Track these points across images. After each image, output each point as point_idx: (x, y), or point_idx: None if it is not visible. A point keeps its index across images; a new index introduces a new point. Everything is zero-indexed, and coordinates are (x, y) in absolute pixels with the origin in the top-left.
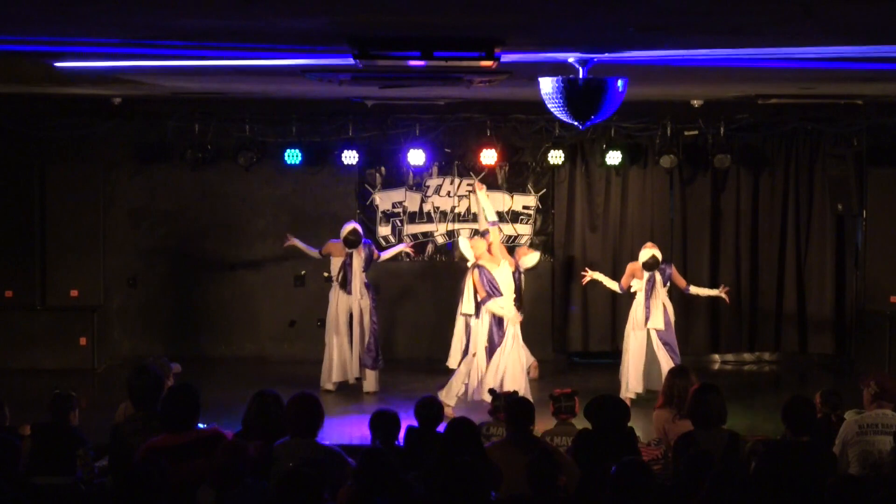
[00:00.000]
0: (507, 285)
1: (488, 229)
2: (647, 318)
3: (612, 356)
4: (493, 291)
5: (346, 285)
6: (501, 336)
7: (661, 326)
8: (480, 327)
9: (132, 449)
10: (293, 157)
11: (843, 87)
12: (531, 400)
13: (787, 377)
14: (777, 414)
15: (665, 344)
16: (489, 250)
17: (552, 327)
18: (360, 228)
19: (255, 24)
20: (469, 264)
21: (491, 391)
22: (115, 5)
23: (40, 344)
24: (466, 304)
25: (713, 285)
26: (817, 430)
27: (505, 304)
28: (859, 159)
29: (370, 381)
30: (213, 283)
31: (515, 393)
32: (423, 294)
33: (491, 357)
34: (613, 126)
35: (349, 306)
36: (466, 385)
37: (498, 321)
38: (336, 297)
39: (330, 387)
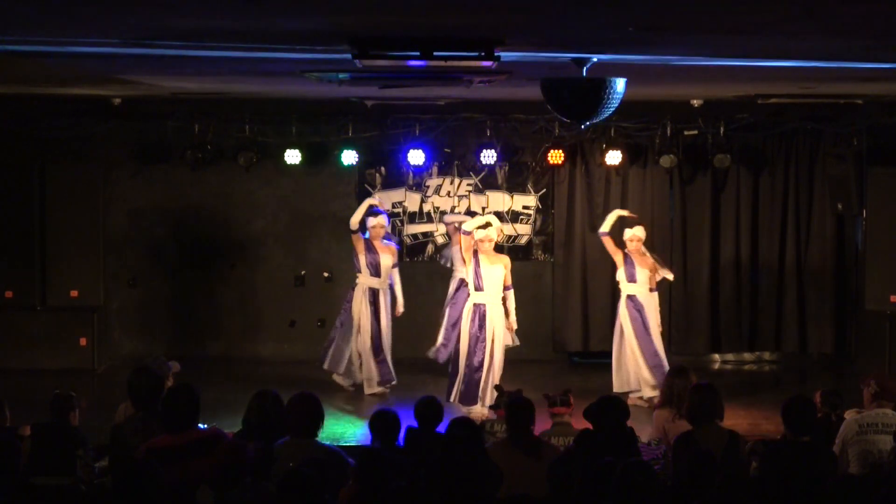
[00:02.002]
0: (494, 283)
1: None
2: (629, 279)
3: (612, 356)
4: (476, 279)
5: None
6: (483, 338)
7: (645, 289)
8: (463, 327)
9: (132, 449)
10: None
11: (843, 86)
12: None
13: (787, 377)
14: (777, 414)
15: (637, 337)
16: (491, 249)
17: (552, 327)
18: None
19: (254, 25)
20: (467, 236)
21: (497, 387)
22: (115, 5)
23: (40, 344)
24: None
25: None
26: (817, 429)
27: (488, 301)
28: (859, 159)
29: (374, 384)
30: (213, 283)
31: (520, 391)
32: (423, 294)
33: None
34: (613, 126)
35: (371, 304)
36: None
37: (480, 322)
38: (361, 295)
39: (341, 381)
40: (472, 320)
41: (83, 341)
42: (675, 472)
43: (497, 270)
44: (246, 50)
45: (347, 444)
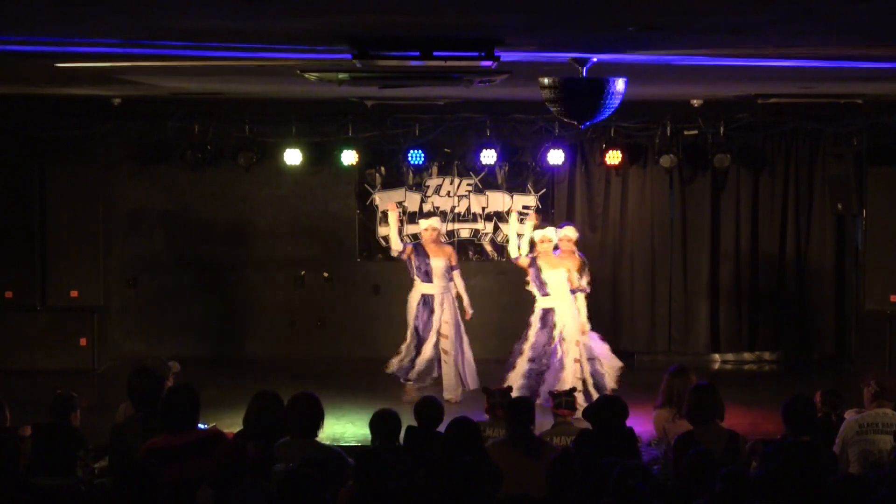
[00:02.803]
0: (559, 286)
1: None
2: (542, 293)
3: None
4: (540, 287)
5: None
6: (551, 346)
7: (565, 299)
8: (530, 331)
9: (132, 449)
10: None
11: (843, 87)
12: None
13: (787, 377)
14: (777, 414)
15: (590, 358)
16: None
17: None
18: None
19: (254, 25)
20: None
21: (485, 389)
22: (115, 5)
23: (40, 344)
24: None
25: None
26: (817, 430)
27: (556, 304)
28: (859, 159)
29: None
30: (213, 283)
31: (510, 389)
32: None
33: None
34: (613, 126)
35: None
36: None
37: (550, 326)
38: (413, 301)
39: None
40: (542, 325)
41: (83, 341)
42: (675, 472)
43: (559, 274)
44: (246, 50)
45: (347, 444)
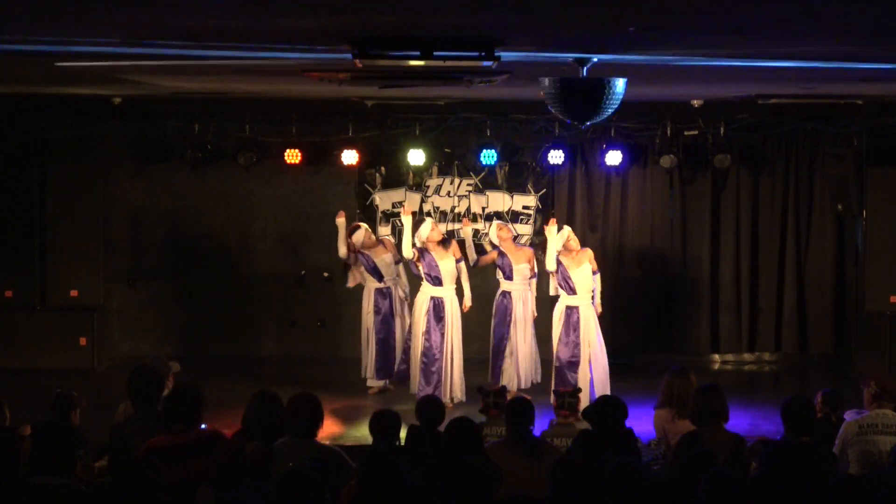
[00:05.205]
0: (583, 285)
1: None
2: (506, 276)
3: (611, 356)
4: (564, 285)
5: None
6: (577, 338)
7: (523, 285)
8: (554, 330)
9: (132, 449)
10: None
11: (843, 87)
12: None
13: (787, 377)
14: (777, 414)
15: (495, 335)
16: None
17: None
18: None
19: (255, 24)
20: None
21: (479, 389)
22: (115, 5)
23: (40, 344)
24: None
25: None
26: (817, 430)
27: (579, 303)
28: (859, 159)
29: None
30: (212, 283)
31: (504, 389)
32: None
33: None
34: (613, 126)
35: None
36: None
37: (574, 326)
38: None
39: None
40: (566, 324)
41: (83, 341)
42: (675, 472)
43: (584, 270)
44: (246, 50)
45: (347, 445)
